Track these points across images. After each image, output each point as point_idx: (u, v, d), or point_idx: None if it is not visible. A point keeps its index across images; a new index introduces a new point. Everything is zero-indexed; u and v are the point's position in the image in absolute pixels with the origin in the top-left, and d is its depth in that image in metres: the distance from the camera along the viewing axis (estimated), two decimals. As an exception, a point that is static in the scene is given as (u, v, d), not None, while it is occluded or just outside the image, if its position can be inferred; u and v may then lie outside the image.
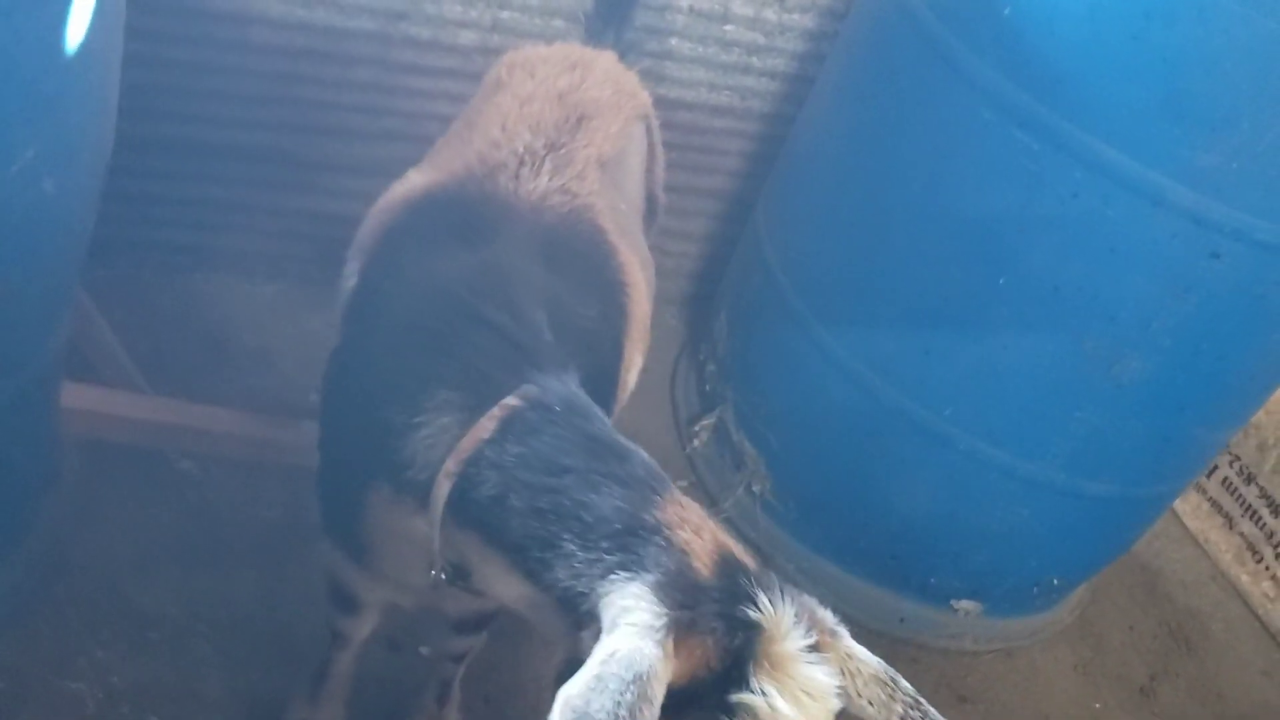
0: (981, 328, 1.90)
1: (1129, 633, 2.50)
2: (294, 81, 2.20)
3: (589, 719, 0.85)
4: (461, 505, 1.11)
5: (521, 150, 1.41)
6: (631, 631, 0.92)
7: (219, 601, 1.83)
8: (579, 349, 1.27)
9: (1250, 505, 2.66)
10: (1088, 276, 1.78)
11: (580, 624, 0.99)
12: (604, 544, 0.99)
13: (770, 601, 0.94)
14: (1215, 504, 2.75)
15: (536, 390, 1.12)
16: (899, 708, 0.97)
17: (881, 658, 1.01)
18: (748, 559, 1.00)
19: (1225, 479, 2.72)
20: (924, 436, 2.02)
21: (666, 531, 0.99)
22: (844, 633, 1.00)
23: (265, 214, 2.37)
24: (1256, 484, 2.64)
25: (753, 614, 0.93)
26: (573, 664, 0.93)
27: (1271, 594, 2.61)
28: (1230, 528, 2.71)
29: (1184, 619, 2.57)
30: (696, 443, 2.44)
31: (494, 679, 1.88)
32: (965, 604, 2.25)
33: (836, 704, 0.95)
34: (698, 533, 1.00)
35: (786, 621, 0.94)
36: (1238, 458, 2.69)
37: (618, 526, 1.00)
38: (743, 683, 0.92)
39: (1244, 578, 2.67)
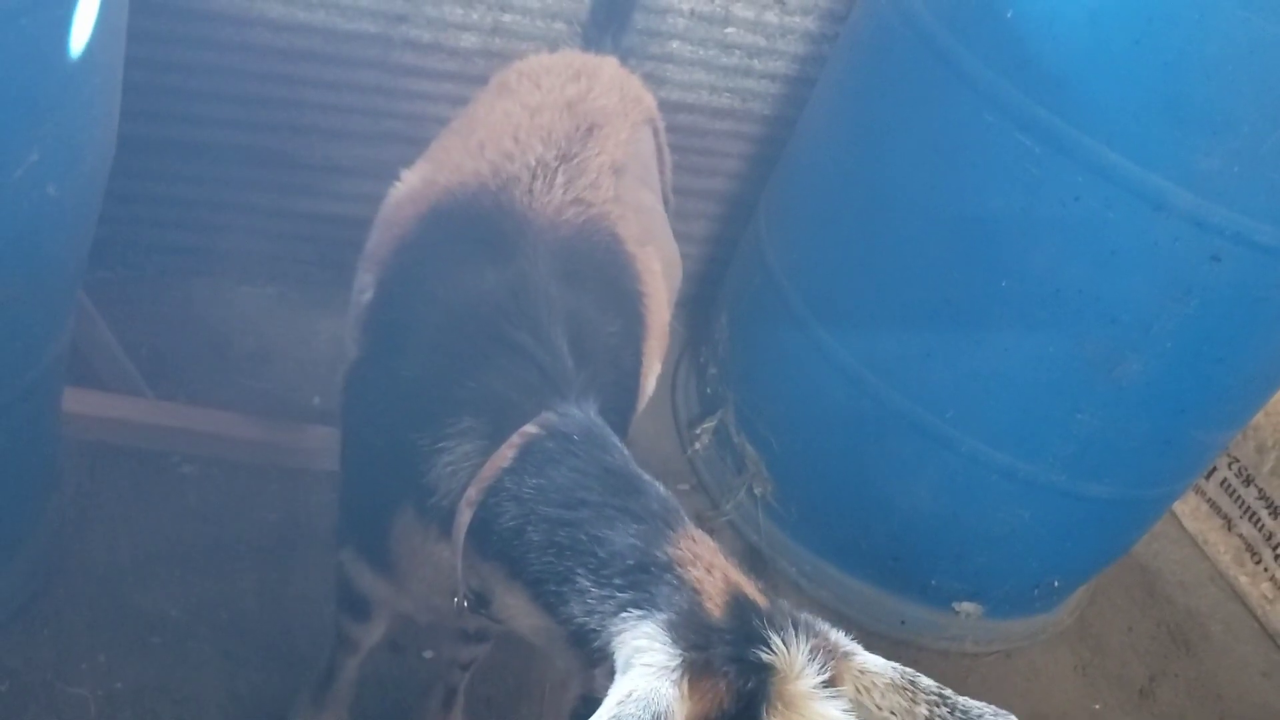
0: (983, 330, 1.90)
1: (1128, 634, 2.50)
2: (295, 84, 2.20)
3: None
4: (483, 535, 1.11)
5: (534, 163, 1.42)
6: (648, 672, 0.92)
7: (220, 604, 1.83)
8: (603, 365, 1.28)
9: (1249, 507, 2.67)
10: (1089, 279, 1.79)
11: (593, 661, 0.99)
12: (617, 580, 1.00)
13: (783, 642, 0.93)
14: (1214, 505, 2.76)
15: (556, 418, 1.13)
16: (923, 709, 0.96)
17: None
18: (759, 596, 0.99)
19: (1224, 481, 2.72)
20: (925, 438, 2.02)
21: (679, 569, 0.99)
22: (857, 650, 0.99)
23: (266, 216, 2.37)
24: (1255, 486, 2.65)
25: (765, 656, 0.93)
26: (588, 702, 0.94)
27: (1270, 595, 2.62)
28: (1229, 529, 2.72)
29: (1183, 620, 2.58)
30: (698, 445, 2.44)
31: (497, 683, 1.88)
32: (966, 606, 2.26)
33: None
34: (710, 570, 1.00)
35: (799, 661, 0.93)
36: (1236, 459, 2.69)
37: (630, 563, 1.00)
38: None
39: (1243, 579, 2.68)
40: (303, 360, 2.27)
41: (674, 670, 0.92)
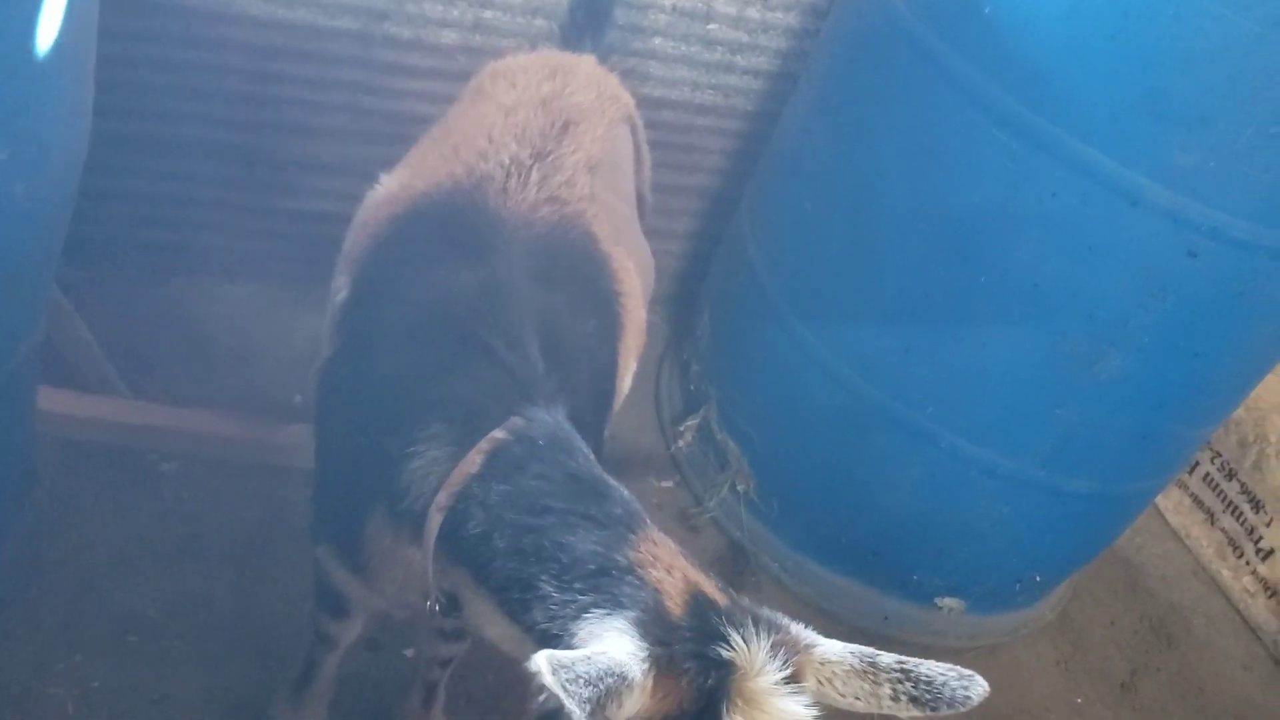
0: (962, 326, 1.91)
1: (1110, 628, 2.51)
2: (275, 81, 2.19)
3: (573, 672, 0.85)
4: (452, 540, 1.12)
5: (508, 161, 1.42)
6: (619, 646, 0.93)
7: (198, 602, 1.83)
8: (577, 366, 1.28)
9: (1231, 501, 2.68)
10: (1067, 275, 1.79)
11: None
12: (578, 584, 1.00)
13: (743, 639, 0.94)
14: (1197, 500, 2.77)
15: (523, 423, 1.13)
16: (886, 689, 0.97)
17: None
18: (719, 595, 1.00)
19: (1206, 475, 2.73)
20: (906, 434, 2.02)
21: (639, 571, 1.00)
22: (818, 641, 0.99)
23: (246, 214, 2.36)
24: (1237, 480, 2.66)
25: (725, 653, 0.93)
26: (544, 717, 0.94)
27: (1252, 589, 2.63)
28: (1211, 523, 2.73)
29: (1165, 614, 2.59)
30: (681, 443, 2.44)
31: (478, 679, 1.88)
32: (948, 601, 2.26)
33: None
34: (669, 571, 1.01)
35: (760, 657, 0.94)
36: (1219, 454, 2.70)
37: (592, 568, 1.01)
38: None
39: (1225, 573, 2.69)
40: (283, 358, 2.27)
41: (642, 661, 0.92)
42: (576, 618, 0.98)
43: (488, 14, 2.22)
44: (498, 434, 1.13)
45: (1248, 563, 2.64)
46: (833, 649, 0.98)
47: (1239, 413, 2.60)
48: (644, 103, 1.86)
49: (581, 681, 0.85)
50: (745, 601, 1.01)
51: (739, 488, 2.31)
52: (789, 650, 0.95)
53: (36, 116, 1.27)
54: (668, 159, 2.44)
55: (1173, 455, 2.15)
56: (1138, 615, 2.57)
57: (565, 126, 1.51)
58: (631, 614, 0.96)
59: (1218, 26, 1.56)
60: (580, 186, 1.46)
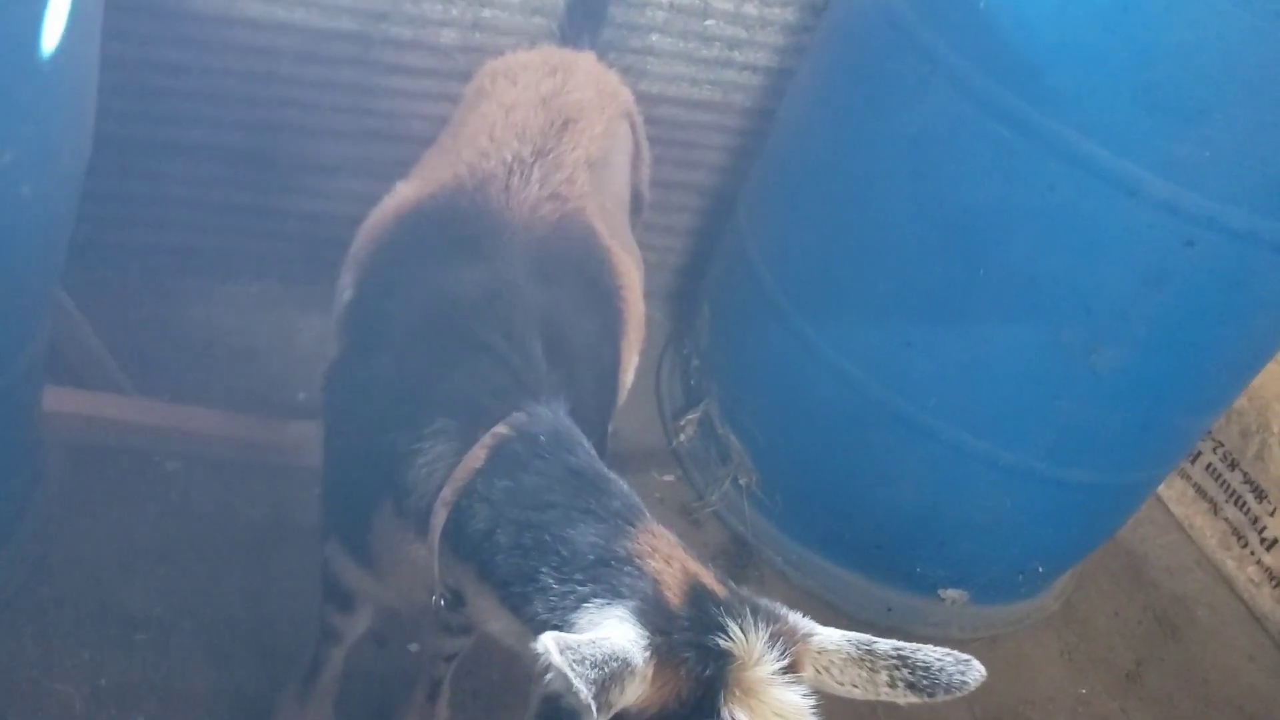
0: (961, 319, 1.91)
1: (1114, 618, 2.52)
2: (276, 82, 2.20)
3: (579, 653, 0.86)
4: (457, 536, 1.13)
5: (510, 159, 1.43)
6: (622, 632, 0.94)
7: (205, 600, 1.84)
8: (580, 362, 1.29)
9: (1234, 491, 2.68)
10: (1065, 267, 1.79)
11: None
12: (578, 575, 1.01)
13: (741, 629, 0.95)
14: (1200, 490, 2.77)
15: (525, 419, 1.15)
16: (883, 676, 0.98)
17: None
18: (718, 586, 1.01)
19: (1209, 465, 2.73)
20: (906, 428, 2.03)
21: (638, 561, 1.01)
22: (816, 630, 1.00)
23: (249, 214, 2.38)
24: (1240, 470, 2.66)
25: (723, 643, 0.94)
26: (548, 700, 0.94)
27: (1256, 579, 2.63)
28: (1215, 513, 2.73)
29: (1169, 604, 2.59)
30: (683, 437, 2.45)
31: (483, 675, 1.89)
32: (951, 593, 2.27)
33: None
34: (668, 562, 1.02)
35: (758, 647, 0.95)
36: (1221, 444, 2.70)
37: (591, 559, 1.02)
38: (713, 712, 0.92)
39: (1229, 563, 2.69)
40: (287, 357, 2.28)
41: (644, 648, 0.93)
42: (576, 608, 0.99)
43: (486, 13, 2.23)
44: (501, 430, 1.14)
45: (1252, 552, 2.64)
46: (830, 637, 0.99)
47: (1241, 402, 2.61)
48: (642, 99, 1.87)
49: (588, 663, 0.86)
50: (744, 592, 1.01)
51: (741, 481, 2.32)
52: (787, 640, 0.96)
53: (42, 119, 1.28)
54: (667, 155, 2.45)
55: (1173, 445, 2.15)
56: (1142, 606, 2.57)
57: (565, 124, 1.52)
58: (631, 603, 0.97)
59: (1214, 18, 1.57)
60: (580, 183, 1.48)
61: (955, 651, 0.98)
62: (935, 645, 1.00)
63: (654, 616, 0.96)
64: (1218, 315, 1.82)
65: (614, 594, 0.98)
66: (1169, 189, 1.68)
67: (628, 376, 1.56)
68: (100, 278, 2.25)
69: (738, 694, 0.93)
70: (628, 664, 0.90)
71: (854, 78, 2.03)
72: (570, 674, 0.85)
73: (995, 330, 1.90)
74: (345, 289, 1.46)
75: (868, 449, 2.11)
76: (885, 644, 0.99)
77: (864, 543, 2.23)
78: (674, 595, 0.98)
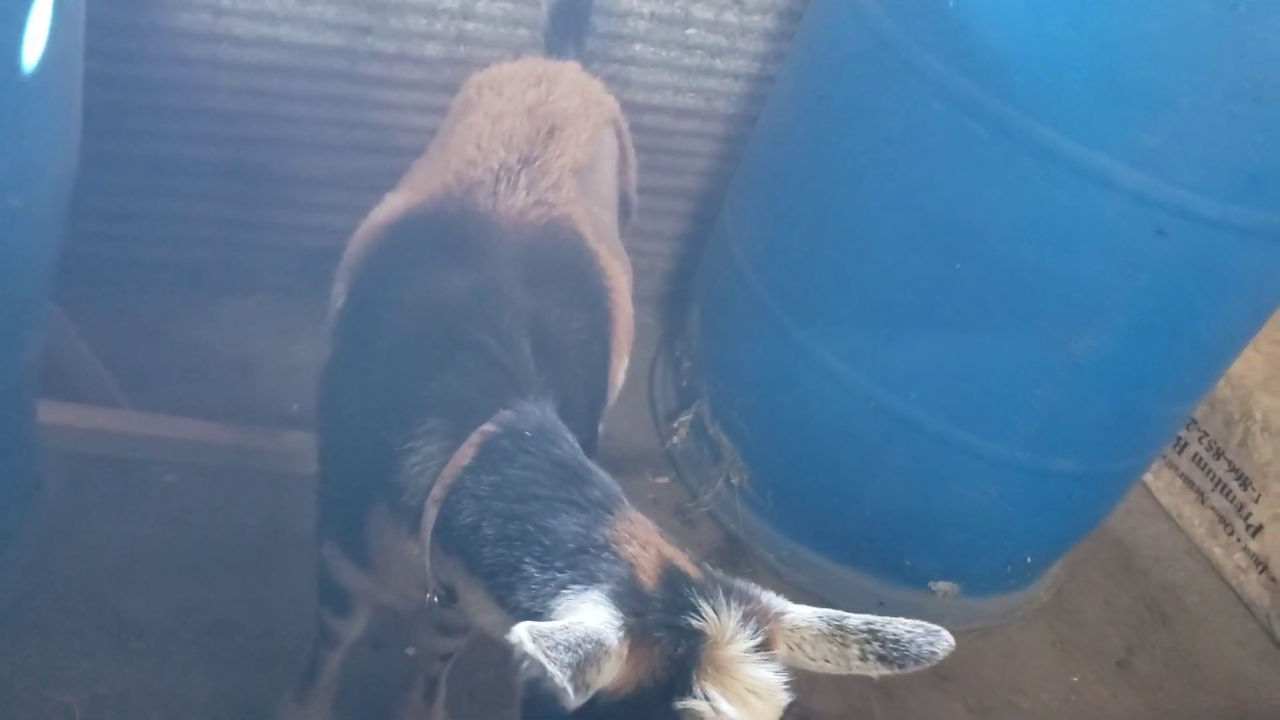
0: (941, 314, 1.94)
1: (1105, 608, 2.54)
2: (264, 97, 2.24)
3: (552, 640, 0.88)
4: (446, 532, 1.16)
5: (497, 167, 1.46)
6: (596, 615, 0.96)
7: (203, 608, 1.86)
8: (570, 363, 1.32)
9: (1220, 480, 2.71)
10: (1041, 259, 1.83)
11: None
12: (558, 563, 1.04)
13: (713, 609, 0.97)
14: (1187, 479, 2.80)
15: (512, 416, 1.17)
16: (854, 650, 1.00)
17: None
18: (692, 568, 1.03)
19: (1195, 455, 2.77)
20: (891, 421, 2.06)
21: (614, 547, 1.03)
22: (788, 608, 1.02)
23: (241, 229, 2.41)
24: (1225, 459, 2.69)
25: (695, 622, 0.96)
26: (528, 685, 0.96)
27: (1244, 566, 2.66)
28: (1202, 502, 2.76)
29: (1159, 593, 2.62)
30: (676, 439, 2.48)
31: (479, 674, 1.91)
32: (942, 585, 2.29)
33: (785, 698, 0.97)
34: (644, 546, 1.04)
35: (730, 626, 0.96)
36: (1206, 433, 2.74)
37: (571, 547, 1.05)
38: (686, 690, 0.94)
39: (1217, 551, 2.72)
40: (281, 368, 2.31)
41: (618, 629, 0.95)
42: (555, 594, 1.01)
43: (470, 26, 2.27)
44: (489, 427, 1.16)
45: (1238, 539, 2.67)
46: (801, 614, 1.01)
47: (1224, 391, 2.64)
48: (627, 108, 1.90)
49: (561, 648, 0.88)
50: (718, 574, 1.04)
51: (733, 481, 2.35)
52: (760, 618, 0.98)
53: (29, 132, 1.31)
54: (652, 162, 2.48)
55: (1155, 433, 2.18)
56: (1132, 595, 2.59)
57: (551, 132, 1.55)
58: (606, 587, 0.99)
59: (1175, 10, 1.61)
60: (567, 189, 1.51)
61: (924, 623, 1.01)
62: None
63: (628, 599, 0.98)
64: (1193, 302, 1.86)
65: (591, 579, 1.00)
66: (1139, 179, 1.72)
67: (618, 377, 1.59)
68: (95, 293, 2.28)
69: (710, 672, 0.94)
70: (602, 645, 0.92)
71: (831, 80, 2.07)
72: (544, 660, 0.87)
73: (974, 323, 1.93)
74: (337, 296, 1.50)
75: (854, 443, 2.14)
76: (856, 619, 1.01)
77: (854, 537, 2.25)
78: (649, 578, 1.00)
